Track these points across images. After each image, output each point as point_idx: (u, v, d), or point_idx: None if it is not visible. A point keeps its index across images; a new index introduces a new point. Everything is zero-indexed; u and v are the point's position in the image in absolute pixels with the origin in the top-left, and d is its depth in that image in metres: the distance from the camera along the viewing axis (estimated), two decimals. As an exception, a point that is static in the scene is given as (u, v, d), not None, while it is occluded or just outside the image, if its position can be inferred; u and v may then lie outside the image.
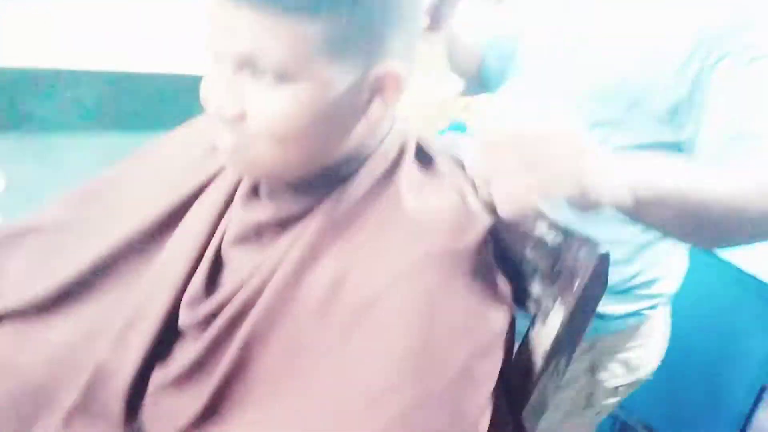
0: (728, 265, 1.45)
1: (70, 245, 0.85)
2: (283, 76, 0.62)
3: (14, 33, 1.62)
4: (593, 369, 1.14)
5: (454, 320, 0.65)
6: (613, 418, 1.64)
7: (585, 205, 0.68)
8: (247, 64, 0.63)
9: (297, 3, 0.60)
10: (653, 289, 1.11)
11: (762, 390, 1.42)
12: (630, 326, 1.13)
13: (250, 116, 0.65)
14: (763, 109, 0.83)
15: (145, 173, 0.88)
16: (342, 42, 0.63)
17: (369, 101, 0.68)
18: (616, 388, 1.17)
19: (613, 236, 0.91)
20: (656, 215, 0.74)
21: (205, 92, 0.67)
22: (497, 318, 0.68)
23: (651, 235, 1.03)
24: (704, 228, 0.77)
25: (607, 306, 1.07)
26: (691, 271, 1.15)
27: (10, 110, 1.85)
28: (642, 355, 1.17)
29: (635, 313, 1.11)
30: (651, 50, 0.91)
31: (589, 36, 1.00)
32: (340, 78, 0.64)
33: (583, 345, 1.08)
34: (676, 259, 1.14)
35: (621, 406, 1.58)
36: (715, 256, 1.47)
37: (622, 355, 1.15)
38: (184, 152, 0.87)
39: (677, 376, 1.53)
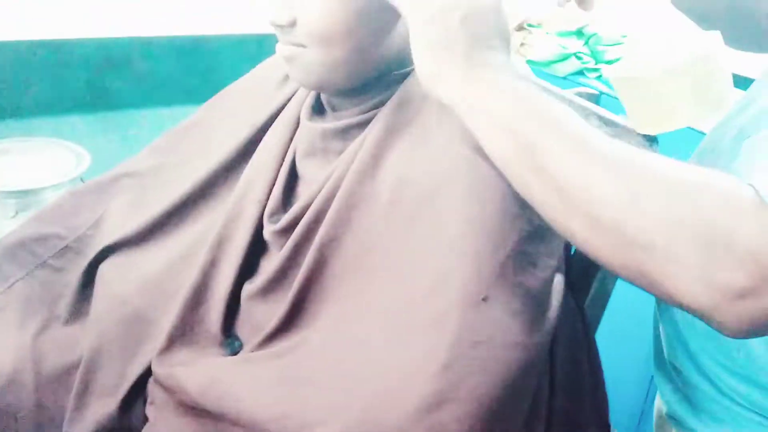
0: None
1: (162, 184, 0.93)
2: None
3: (86, 4, 1.71)
4: None
5: (506, 205, 0.68)
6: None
7: (428, 79, 0.62)
8: None
9: None
10: None
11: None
12: None
13: (300, 22, 0.71)
14: None
15: (227, 109, 0.95)
16: None
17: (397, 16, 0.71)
18: None
19: None
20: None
21: (266, 6, 0.73)
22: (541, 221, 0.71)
23: None
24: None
25: None
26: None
27: (88, 87, 1.96)
28: None
29: None
30: None
31: None
32: None
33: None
34: None
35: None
36: None
37: None
38: (260, 85, 0.94)
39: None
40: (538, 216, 0.65)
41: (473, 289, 0.64)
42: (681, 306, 0.52)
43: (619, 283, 0.82)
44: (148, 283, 0.85)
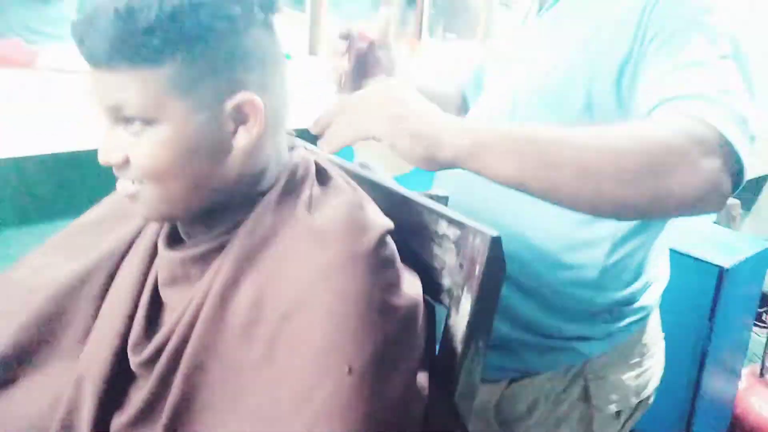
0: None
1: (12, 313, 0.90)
2: (146, 121, 0.73)
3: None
4: (587, 396, 1.08)
5: (361, 314, 0.71)
6: None
7: (426, 157, 0.78)
8: (117, 115, 0.74)
9: (140, 58, 0.70)
10: (636, 304, 1.08)
11: (704, 354, 1.50)
12: (618, 345, 1.08)
13: (131, 161, 0.75)
14: (686, 74, 0.83)
15: (77, 245, 0.95)
16: (190, 82, 0.72)
17: (234, 132, 0.76)
18: (617, 414, 1.10)
19: (587, 236, 1.01)
20: (509, 165, 0.76)
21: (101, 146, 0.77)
22: (404, 305, 0.75)
23: (621, 230, 1.02)
24: (584, 186, 0.75)
25: (589, 327, 1.06)
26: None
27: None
28: (638, 375, 1.10)
29: (622, 330, 1.08)
30: (594, 49, 0.93)
31: (536, 45, 1.04)
32: (196, 114, 0.73)
33: (571, 371, 1.07)
34: (654, 270, 1.11)
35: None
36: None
37: (614, 378, 1.08)
38: (111, 215, 0.95)
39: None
40: (400, 319, 0.70)
41: (335, 402, 0.67)
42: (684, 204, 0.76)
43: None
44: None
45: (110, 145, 0.75)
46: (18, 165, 1.79)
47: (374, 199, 0.86)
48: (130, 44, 0.69)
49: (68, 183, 2.05)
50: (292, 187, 0.81)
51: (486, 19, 3.19)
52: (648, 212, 0.82)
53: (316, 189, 0.83)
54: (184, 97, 0.72)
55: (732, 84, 0.81)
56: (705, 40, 0.84)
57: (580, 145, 0.75)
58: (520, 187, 0.77)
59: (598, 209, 0.79)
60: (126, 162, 0.75)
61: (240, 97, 0.74)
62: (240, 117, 0.76)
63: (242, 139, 0.76)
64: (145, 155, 0.74)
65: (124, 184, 0.77)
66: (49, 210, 2.13)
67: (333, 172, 0.86)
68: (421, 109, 0.79)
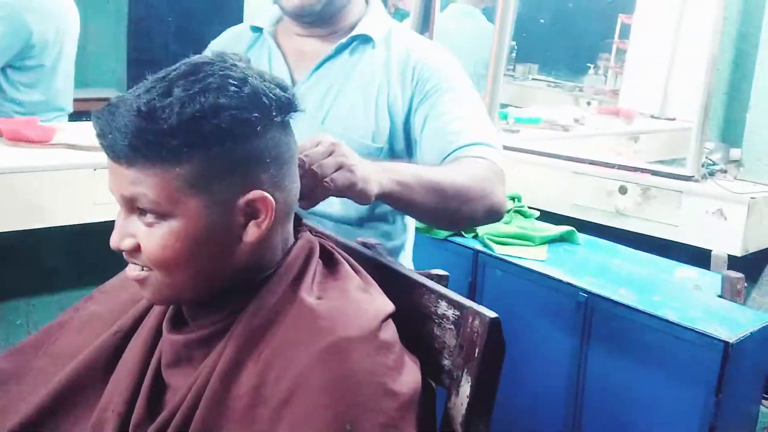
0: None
1: (26, 393, 0.92)
2: (160, 213, 0.75)
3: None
4: None
5: (360, 399, 0.72)
6: None
7: (363, 197, 0.95)
8: (131, 205, 0.76)
9: (158, 158, 0.73)
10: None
11: (711, 431, 1.48)
12: None
13: (143, 249, 0.77)
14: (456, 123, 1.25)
15: (85, 319, 0.97)
16: (205, 181, 0.75)
17: (244, 225, 0.78)
18: None
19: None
20: (410, 198, 1.05)
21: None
22: (404, 390, 0.76)
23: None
24: (445, 207, 1.12)
25: None
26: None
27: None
28: None
29: None
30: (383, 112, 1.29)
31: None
32: (209, 209, 0.76)
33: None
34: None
35: None
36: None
37: None
38: (118, 293, 0.97)
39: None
40: (399, 406, 0.73)
41: None
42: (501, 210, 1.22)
43: None
44: None
45: (123, 232, 0.77)
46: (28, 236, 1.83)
47: (375, 279, 0.88)
48: (150, 144, 0.72)
49: (77, 254, 2.08)
50: (296, 271, 0.82)
51: (491, 89, 3.25)
52: (483, 220, 1.24)
53: (321, 272, 0.84)
54: (199, 195, 0.74)
55: (487, 127, 1.28)
56: (459, 99, 1.28)
57: (443, 179, 1.11)
58: (412, 209, 1.15)
59: (455, 223, 1.43)
60: (137, 249, 0.77)
61: (253, 194, 0.77)
62: (251, 212, 0.78)
63: (252, 234, 0.78)
64: (156, 246, 0.75)
65: (133, 269, 0.79)
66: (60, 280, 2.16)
67: (338, 255, 0.88)
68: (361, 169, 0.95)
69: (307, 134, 0.94)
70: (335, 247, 0.90)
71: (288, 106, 0.78)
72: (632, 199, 2.33)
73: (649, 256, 1.99)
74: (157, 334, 0.87)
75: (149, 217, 0.75)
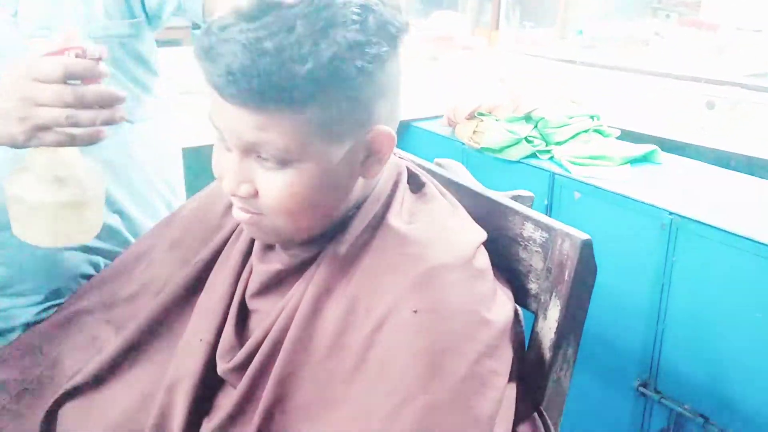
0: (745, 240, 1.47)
1: (114, 321, 0.94)
2: (284, 160, 0.70)
3: None
4: None
5: (455, 326, 0.70)
6: (668, 409, 1.64)
7: None
8: (251, 150, 0.70)
9: (287, 101, 0.66)
10: None
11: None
12: None
13: (262, 194, 0.72)
14: None
15: (173, 239, 0.97)
16: (333, 123, 0.69)
17: (365, 161, 0.75)
18: None
19: None
20: None
21: (218, 173, 0.75)
22: (498, 319, 0.73)
23: None
24: None
25: None
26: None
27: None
28: None
29: None
30: None
31: None
32: (336, 151, 0.71)
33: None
34: None
35: (674, 396, 1.60)
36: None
37: None
38: (205, 214, 0.96)
39: (726, 363, 1.54)
40: (494, 334, 0.71)
41: (426, 420, 0.66)
42: None
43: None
44: (108, 428, 0.85)
45: (240, 176, 0.72)
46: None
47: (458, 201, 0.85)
48: (284, 89, 0.65)
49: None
50: (386, 197, 0.80)
51: (565, 5, 3.10)
52: None
53: (409, 197, 0.81)
54: (325, 137, 0.70)
55: None
56: None
57: None
58: None
59: None
60: (254, 195, 0.72)
61: (376, 130, 0.72)
62: (373, 148, 0.74)
63: (374, 170, 0.75)
64: (280, 192, 0.71)
65: (242, 212, 0.75)
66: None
67: (424, 178, 0.85)
68: None
69: None
70: (419, 169, 0.87)
71: (406, 31, 0.72)
72: (721, 115, 2.20)
73: (738, 175, 1.89)
74: (242, 261, 0.86)
75: (271, 162, 0.70)
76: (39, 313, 1.08)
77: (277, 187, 0.71)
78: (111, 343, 0.89)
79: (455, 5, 3.23)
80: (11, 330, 1.07)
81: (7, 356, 0.95)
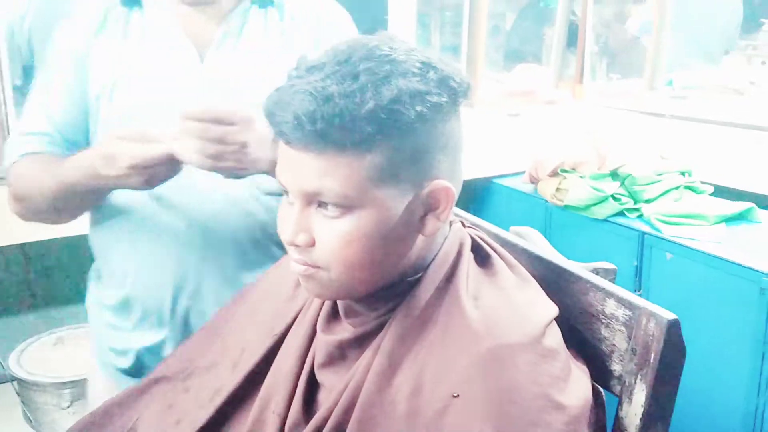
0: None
1: (191, 391, 0.94)
2: (345, 206, 0.70)
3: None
4: None
5: (523, 412, 0.66)
6: None
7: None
8: (313, 199, 0.71)
9: (348, 143, 0.68)
10: None
11: None
12: None
13: (320, 244, 0.72)
14: None
15: (246, 313, 0.97)
16: (394, 169, 0.70)
17: (423, 218, 0.74)
18: None
19: None
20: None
21: (280, 224, 0.76)
22: (573, 402, 0.69)
23: None
24: None
25: None
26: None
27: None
28: None
29: None
30: None
31: None
32: (396, 201, 0.71)
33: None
34: None
35: None
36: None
37: None
38: (277, 287, 0.96)
39: None
40: (567, 420, 0.68)
41: None
42: None
43: None
44: None
45: (299, 226, 0.72)
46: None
47: (532, 274, 0.81)
48: (345, 130, 0.67)
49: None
50: (449, 267, 0.77)
51: (653, 56, 3.03)
52: None
53: (474, 268, 0.79)
54: (386, 185, 0.70)
55: None
56: None
57: None
58: None
59: None
60: (312, 245, 0.73)
61: (435, 184, 0.72)
62: (431, 203, 0.73)
63: (431, 226, 0.74)
64: (337, 240, 0.71)
65: (298, 265, 0.75)
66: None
67: (490, 249, 0.82)
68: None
69: None
70: (485, 239, 0.84)
71: (468, 90, 0.74)
72: (824, 171, 2.07)
73: None
74: (311, 333, 0.85)
75: (331, 211, 0.71)
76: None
77: (334, 235, 0.71)
78: (187, 416, 0.89)
79: (539, 59, 3.20)
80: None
81: (87, 426, 0.97)
